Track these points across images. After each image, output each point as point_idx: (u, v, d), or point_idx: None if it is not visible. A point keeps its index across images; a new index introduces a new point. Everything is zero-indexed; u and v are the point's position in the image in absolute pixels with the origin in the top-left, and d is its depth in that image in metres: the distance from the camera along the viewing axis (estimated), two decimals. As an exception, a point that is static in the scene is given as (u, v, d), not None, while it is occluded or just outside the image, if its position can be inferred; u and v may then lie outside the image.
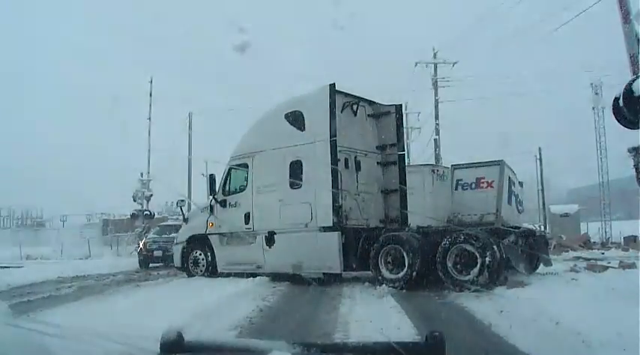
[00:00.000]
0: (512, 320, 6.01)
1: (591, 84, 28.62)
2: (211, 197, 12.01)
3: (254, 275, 10.67)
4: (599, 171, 29.43)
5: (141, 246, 18.58)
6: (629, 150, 6.99)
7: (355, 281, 10.37)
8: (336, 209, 10.05)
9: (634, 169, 6.81)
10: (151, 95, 27.98)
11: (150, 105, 27.90)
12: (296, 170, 10.63)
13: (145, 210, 26.67)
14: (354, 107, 11.30)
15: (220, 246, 11.79)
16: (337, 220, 10.04)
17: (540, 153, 33.92)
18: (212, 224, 11.94)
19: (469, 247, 8.98)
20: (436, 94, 29.17)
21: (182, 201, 15.25)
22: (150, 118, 27.91)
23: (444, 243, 9.23)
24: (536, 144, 35.13)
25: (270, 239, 10.84)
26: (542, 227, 23.74)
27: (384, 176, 11.62)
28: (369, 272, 10.03)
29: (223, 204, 11.74)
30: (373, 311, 7.06)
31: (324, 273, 10.55)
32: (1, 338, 1.71)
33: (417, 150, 31.90)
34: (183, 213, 13.89)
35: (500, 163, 12.44)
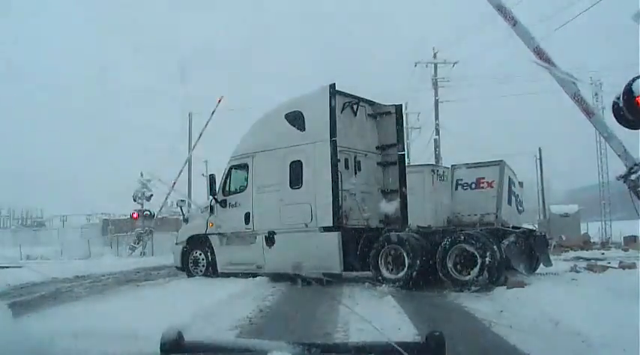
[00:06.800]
0: (512, 320, 6.02)
1: (591, 84, 28.58)
2: (211, 197, 12.01)
3: (254, 275, 10.67)
4: (599, 171, 29.43)
5: None
6: (617, 179, 7.12)
7: (355, 281, 10.36)
8: (336, 209, 10.04)
9: (631, 192, 6.87)
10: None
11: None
12: (296, 170, 10.62)
13: (145, 210, 26.59)
14: (354, 107, 11.30)
15: (220, 246, 11.79)
16: (337, 220, 10.04)
17: (540, 153, 33.95)
18: (212, 224, 11.94)
19: (469, 247, 8.98)
20: (436, 94, 29.18)
21: (182, 201, 15.25)
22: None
23: (444, 243, 9.23)
24: (536, 144, 35.17)
25: (270, 239, 10.84)
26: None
27: (384, 176, 11.61)
28: (369, 272, 10.03)
29: (223, 204, 11.73)
30: (373, 312, 7.06)
31: (324, 273, 10.55)
32: (1, 338, 1.71)
33: (417, 150, 31.90)
34: (183, 213, 13.88)
35: (500, 163, 12.46)
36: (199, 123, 30.32)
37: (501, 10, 8.25)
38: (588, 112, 7.68)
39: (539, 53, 7.97)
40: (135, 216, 25.79)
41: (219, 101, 26.38)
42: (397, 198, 11.38)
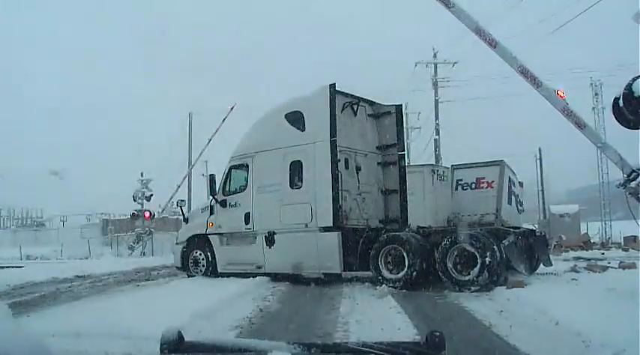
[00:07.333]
0: (512, 320, 6.02)
1: (591, 84, 28.58)
2: (211, 197, 12.01)
3: (254, 275, 10.67)
4: (599, 171, 29.36)
5: None
6: (617, 187, 7.14)
7: (355, 281, 10.36)
8: (336, 209, 10.04)
9: (628, 198, 6.88)
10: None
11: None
12: (296, 170, 10.62)
13: (146, 210, 26.59)
14: (354, 107, 11.29)
15: (220, 246, 11.78)
16: (337, 220, 10.04)
17: (540, 153, 33.95)
18: (212, 224, 11.93)
19: (469, 247, 8.98)
20: (436, 94, 29.20)
21: (182, 201, 15.19)
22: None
23: (444, 243, 9.23)
24: (536, 144, 35.16)
25: (270, 239, 10.83)
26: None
27: (384, 176, 11.61)
28: (369, 272, 10.03)
29: (223, 204, 11.73)
30: (373, 311, 7.07)
31: (324, 273, 10.54)
32: (0, 338, 1.71)
33: (417, 150, 31.91)
34: (183, 213, 13.87)
35: (500, 163, 12.47)
36: (200, 123, 30.37)
37: (480, 33, 8.17)
38: (580, 125, 7.68)
39: (524, 72, 7.92)
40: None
41: (232, 109, 26.48)
42: (397, 198, 11.39)
